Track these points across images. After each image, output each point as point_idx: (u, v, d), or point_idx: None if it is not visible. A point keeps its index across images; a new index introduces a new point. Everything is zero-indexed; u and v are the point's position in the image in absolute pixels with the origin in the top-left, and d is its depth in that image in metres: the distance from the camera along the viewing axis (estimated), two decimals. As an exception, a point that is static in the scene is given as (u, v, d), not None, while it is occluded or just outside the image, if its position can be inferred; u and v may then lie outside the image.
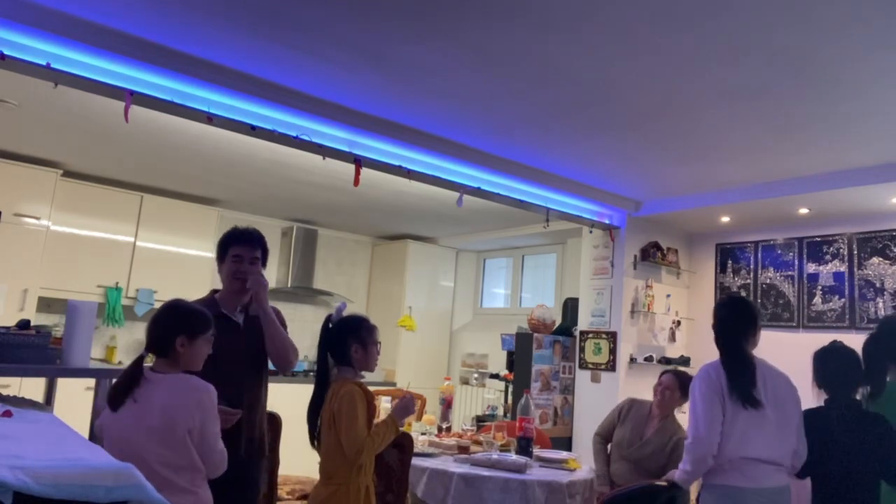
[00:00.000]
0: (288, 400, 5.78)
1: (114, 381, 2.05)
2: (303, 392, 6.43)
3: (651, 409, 3.53)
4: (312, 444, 2.44)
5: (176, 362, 2.03)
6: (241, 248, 2.50)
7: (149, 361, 2.04)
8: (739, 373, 2.37)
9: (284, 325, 2.55)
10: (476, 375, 6.33)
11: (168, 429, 1.91)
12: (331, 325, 2.45)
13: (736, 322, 2.47)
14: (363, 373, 2.43)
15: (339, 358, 2.41)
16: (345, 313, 2.47)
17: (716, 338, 2.50)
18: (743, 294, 5.10)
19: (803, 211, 4.56)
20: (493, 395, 5.95)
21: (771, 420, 2.34)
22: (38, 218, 4.81)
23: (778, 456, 2.34)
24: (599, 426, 3.73)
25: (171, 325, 2.04)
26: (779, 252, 4.95)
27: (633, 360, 4.92)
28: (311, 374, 6.31)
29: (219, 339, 2.16)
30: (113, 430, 1.96)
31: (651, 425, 3.46)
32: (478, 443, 3.52)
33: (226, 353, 2.29)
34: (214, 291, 2.56)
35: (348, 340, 2.40)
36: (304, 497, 3.68)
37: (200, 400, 1.96)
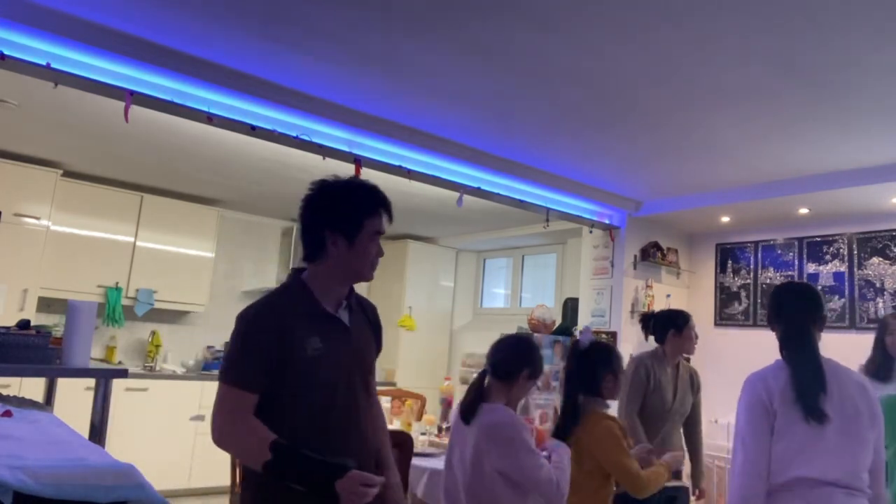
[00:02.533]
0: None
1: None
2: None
3: (664, 355, 3.32)
4: None
5: (509, 391, 2.10)
6: (383, 222, 1.71)
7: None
8: (808, 378, 1.95)
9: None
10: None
11: (475, 465, 2.00)
12: (580, 352, 2.34)
13: (810, 311, 2.05)
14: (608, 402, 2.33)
15: (589, 388, 2.28)
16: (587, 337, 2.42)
17: (781, 331, 2.07)
18: (743, 294, 5.11)
19: (803, 211, 4.56)
20: (493, 395, 5.94)
21: (836, 432, 1.91)
22: (38, 218, 4.81)
23: (845, 477, 1.88)
24: (629, 404, 3.20)
25: (523, 355, 2.11)
26: (779, 252, 4.95)
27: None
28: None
29: (326, 350, 1.62)
30: (456, 436, 2.11)
31: (670, 372, 3.30)
32: (478, 443, 3.51)
33: (336, 369, 1.64)
34: (298, 271, 1.73)
35: (599, 370, 2.27)
36: (304, 497, 3.67)
37: (507, 438, 1.98)
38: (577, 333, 5.21)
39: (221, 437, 1.57)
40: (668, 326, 3.34)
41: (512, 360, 2.11)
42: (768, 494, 1.92)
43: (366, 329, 1.78)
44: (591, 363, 2.29)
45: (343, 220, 1.64)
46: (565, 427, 2.27)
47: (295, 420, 1.58)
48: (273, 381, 1.57)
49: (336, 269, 1.67)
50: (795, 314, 2.06)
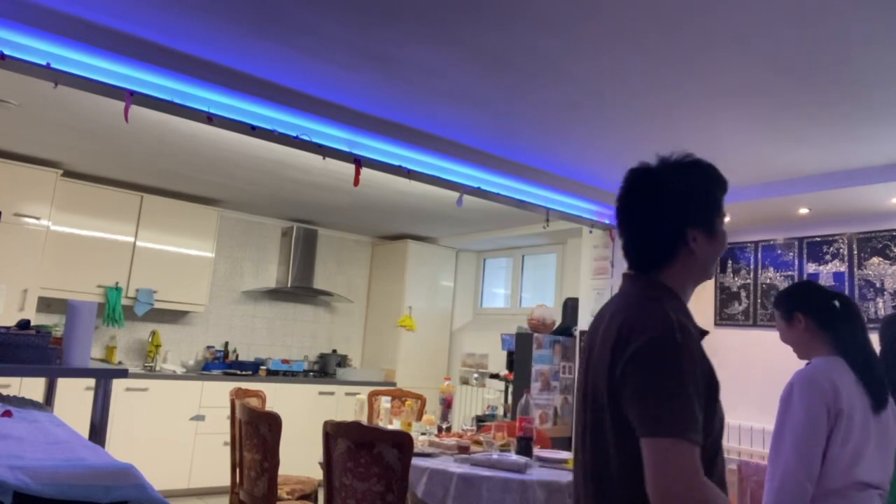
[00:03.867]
0: (288, 400, 5.80)
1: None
2: (302, 392, 6.46)
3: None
4: None
5: None
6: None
7: None
8: (877, 372, 1.89)
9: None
10: (476, 375, 6.33)
11: None
12: None
13: (850, 308, 2.03)
14: None
15: None
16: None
17: (849, 333, 1.96)
18: (743, 294, 5.11)
19: (803, 211, 4.56)
20: (493, 395, 5.95)
21: (875, 434, 1.87)
22: (38, 218, 4.82)
23: (883, 480, 1.86)
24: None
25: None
26: (779, 252, 4.95)
27: (633, 360, 4.92)
28: (311, 373, 6.31)
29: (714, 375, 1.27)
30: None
31: None
32: (478, 443, 3.52)
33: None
34: (660, 283, 1.37)
35: None
36: (304, 497, 3.68)
37: None
38: (575, 332, 5.20)
39: None
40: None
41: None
42: (821, 498, 1.82)
43: None
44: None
45: (704, 210, 1.36)
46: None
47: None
48: None
49: (692, 271, 1.38)
50: (858, 316, 2.01)
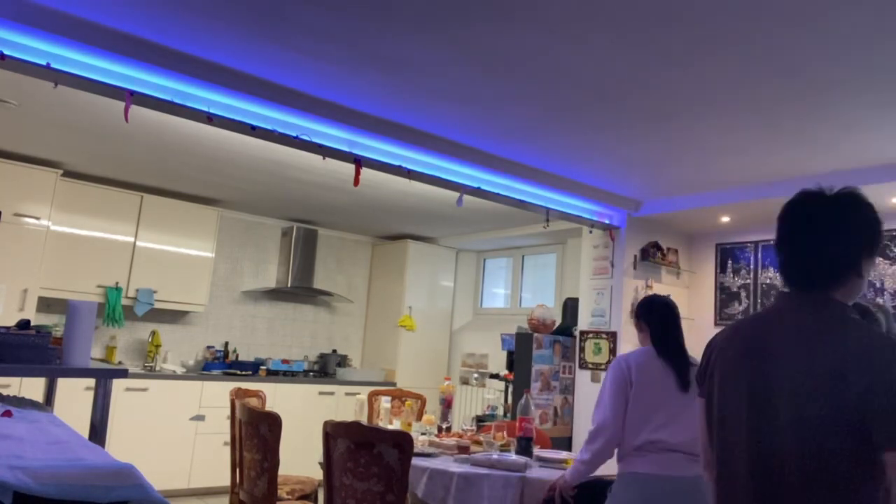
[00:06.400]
0: (288, 400, 5.80)
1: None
2: (302, 392, 6.45)
3: None
4: None
5: None
6: None
7: None
8: (681, 356, 2.71)
9: None
10: (476, 375, 6.33)
11: None
12: None
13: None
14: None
15: None
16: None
17: (651, 322, 2.71)
18: (743, 294, 5.11)
19: (803, 211, 4.56)
20: (493, 395, 5.95)
21: (678, 406, 2.57)
22: (38, 218, 4.82)
23: (687, 444, 2.50)
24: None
25: None
26: (779, 252, 4.95)
27: (633, 360, 4.92)
28: (311, 373, 6.31)
29: None
30: None
31: None
32: (478, 443, 3.52)
33: None
34: (845, 304, 1.41)
35: None
36: (304, 497, 3.68)
37: None
38: (575, 332, 5.20)
39: None
40: None
41: None
42: (629, 453, 2.50)
43: None
44: None
45: (872, 246, 1.43)
46: None
47: None
48: None
49: (847, 300, 1.41)
50: (673, 320, 2.77)
